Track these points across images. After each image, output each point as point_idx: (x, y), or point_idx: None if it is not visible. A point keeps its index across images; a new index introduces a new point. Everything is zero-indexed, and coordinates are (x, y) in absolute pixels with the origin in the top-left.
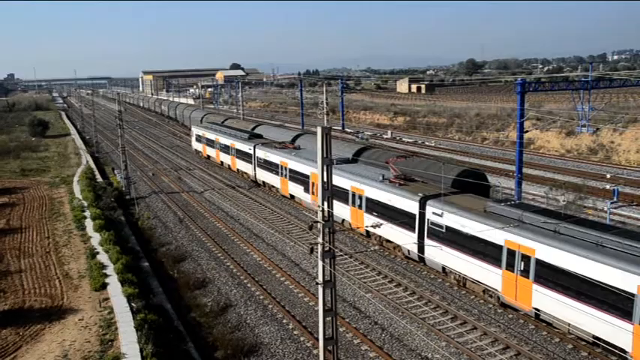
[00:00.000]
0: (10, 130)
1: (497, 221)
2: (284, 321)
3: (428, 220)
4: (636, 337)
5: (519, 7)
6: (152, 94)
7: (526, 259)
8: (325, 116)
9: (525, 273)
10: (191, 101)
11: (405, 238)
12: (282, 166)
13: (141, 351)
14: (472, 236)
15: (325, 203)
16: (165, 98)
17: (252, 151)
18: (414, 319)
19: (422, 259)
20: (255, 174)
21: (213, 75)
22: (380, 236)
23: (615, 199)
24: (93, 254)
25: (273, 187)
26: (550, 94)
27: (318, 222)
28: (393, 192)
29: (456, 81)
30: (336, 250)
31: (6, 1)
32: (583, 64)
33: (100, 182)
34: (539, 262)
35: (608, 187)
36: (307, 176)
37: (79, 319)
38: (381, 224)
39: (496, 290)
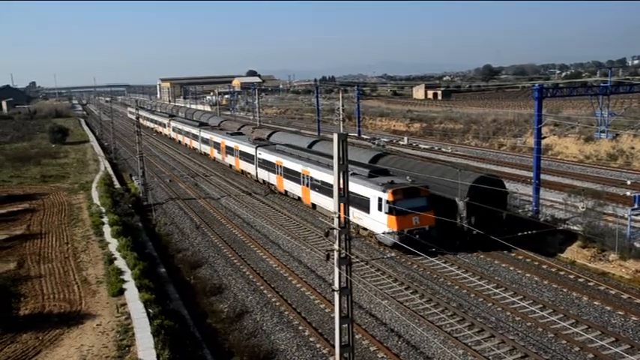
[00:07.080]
0: (31, 137)
1: None
2: (300, 328)
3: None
4: None
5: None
6: (169, 101)
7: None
8: (341, 123)
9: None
10: (208, 108)
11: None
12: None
13: (158, 357)
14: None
15: (341, 210)
16: (183, 105)
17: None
18: (431, 326)
19: None
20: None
21: (230, 82)
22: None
23: (636, 206)
24: (111, 260)
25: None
26: (568, 99)
27: (334, 229)
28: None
29: (472, 87)
30: (353, 257)
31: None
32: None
33: (118, 188)
34: None
35: (628, 193)
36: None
37: (97, 325)
38: None
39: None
